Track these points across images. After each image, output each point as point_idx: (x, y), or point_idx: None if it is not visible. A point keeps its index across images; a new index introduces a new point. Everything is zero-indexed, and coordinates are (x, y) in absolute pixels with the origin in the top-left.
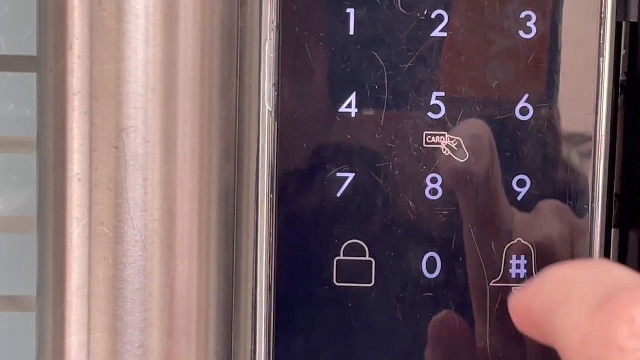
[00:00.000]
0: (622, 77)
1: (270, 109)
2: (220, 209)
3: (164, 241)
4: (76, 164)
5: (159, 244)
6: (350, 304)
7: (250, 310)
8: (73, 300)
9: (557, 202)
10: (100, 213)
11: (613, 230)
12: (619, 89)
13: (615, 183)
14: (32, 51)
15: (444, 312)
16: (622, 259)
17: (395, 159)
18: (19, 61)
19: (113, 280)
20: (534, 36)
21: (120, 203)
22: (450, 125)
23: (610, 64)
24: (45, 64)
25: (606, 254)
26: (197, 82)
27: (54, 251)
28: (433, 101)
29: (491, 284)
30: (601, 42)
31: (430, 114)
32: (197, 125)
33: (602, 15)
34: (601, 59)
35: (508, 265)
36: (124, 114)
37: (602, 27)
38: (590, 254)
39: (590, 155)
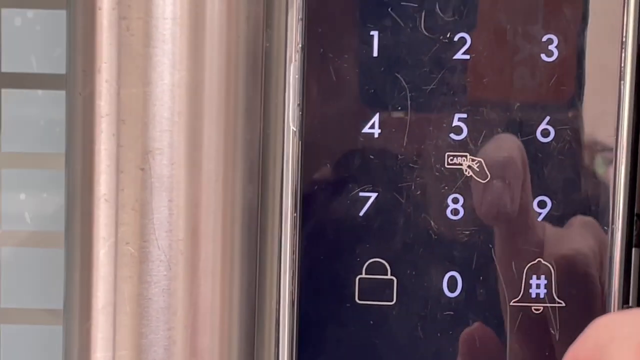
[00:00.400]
0: None
1: (295, 129)
2: (243, 228)
3: (188, 261)
4: (103, 184)
5: (183, 263)
6: (371, 322)
7: (273, 326)
8: (99, 318)
9: (578, 223)
10: (126, 233)
11: (633, 250)
12: None
13: (635, 203)
14: (61, 69)
15: (464, 330)
16: None
17: (417, 179)
18: (49, 79)
19: (138, 299)
20: (556, 59)
21: (145, 223)
22: (472, 147)
23: (631, 87)
24: (74, 86)
25: (626, 274)
26: (222, 105)
27: (80, 269)
28: (455, 122)
29: (511, 304)
30: (622, 65)
31: (452, 135)
32: (221, 147)
33: (624, 39)
34: (622, 82)
35: (528, 285)
36: (150, 136)
37: (623, 50)
38: (610, 274)
39: (611, 176)
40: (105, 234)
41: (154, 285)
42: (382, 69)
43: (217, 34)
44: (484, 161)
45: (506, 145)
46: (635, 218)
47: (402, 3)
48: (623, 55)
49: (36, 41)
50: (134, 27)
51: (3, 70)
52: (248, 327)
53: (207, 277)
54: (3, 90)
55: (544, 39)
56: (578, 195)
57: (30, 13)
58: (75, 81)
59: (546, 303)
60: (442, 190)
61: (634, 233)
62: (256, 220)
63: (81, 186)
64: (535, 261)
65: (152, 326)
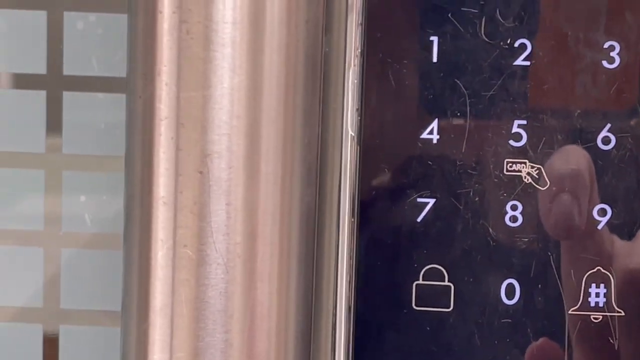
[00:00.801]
0: None
1: (353, 134)
2: (301, 232)
3: (245, 264)
4: (162, 187)
5: (241, 267)
6: (428, 328)
7: (330, 332)
8: (156, 320)
9: (638, 232)
10: (184, 236)
11: None
12: None
13: None
14: (122, 72)
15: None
16: None
17: (476, 185)
18: (110, 82)
19: (195, 302)
20: (617, 66)
21: (203, 226)
22: (531, 153)
23: None
24: (134, 89)
25: None
26: (280, 109)
27: (138, 271)
28: (514, 129)
29: (570, 312)
30: None
31: (511, 142)
32: (279, 151)
33: None
34: None
35: (587, 294)
36: (209, 139)
37: None
38: None
39: None
40: (164, 236)
41: (211, 288)
42: (442, 74)
43: (276, 38)
44: (547, 170)
45: (573, 158)
46: None
47: (462, 9)
48: None
49: (97, 44)
50: (194, 31)
51: (65, 73)
52: (304, 332)
53: (264, 281)
54: (65, 93)
55: (606, 45)
56: (639, 204)
57: (92, 16)
58: (135, 84)
59: (605, 312)
60: (501, 197)
61: None
62: (314, 224)
63: (140, 189)
64: (595, 269)
65: (209, 329)
